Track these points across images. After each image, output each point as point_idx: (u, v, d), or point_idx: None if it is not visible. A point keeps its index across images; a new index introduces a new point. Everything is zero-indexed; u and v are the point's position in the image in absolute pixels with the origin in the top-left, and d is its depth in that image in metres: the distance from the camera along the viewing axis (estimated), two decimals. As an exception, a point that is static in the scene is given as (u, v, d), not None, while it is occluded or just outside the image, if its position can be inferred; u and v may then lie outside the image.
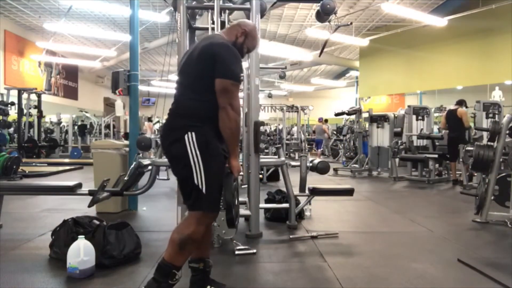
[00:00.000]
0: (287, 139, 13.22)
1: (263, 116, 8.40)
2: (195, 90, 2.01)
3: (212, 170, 1.93)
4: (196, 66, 2.02)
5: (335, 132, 14.93)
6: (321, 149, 14.21)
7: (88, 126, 15.41)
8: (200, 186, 1.90)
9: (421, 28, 12.02)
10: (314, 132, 15.15)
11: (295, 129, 14.07)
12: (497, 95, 10.90)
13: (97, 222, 2.84)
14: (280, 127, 14.57)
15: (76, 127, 14.92)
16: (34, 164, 9.41)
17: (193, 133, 1.92)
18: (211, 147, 1.94)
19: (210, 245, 2.33)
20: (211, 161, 1.93)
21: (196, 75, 2.01)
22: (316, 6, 4.17)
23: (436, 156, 7.49)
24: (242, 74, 2.06)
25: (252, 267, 2.76)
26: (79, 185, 3.61)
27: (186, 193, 2.01)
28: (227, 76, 1.96)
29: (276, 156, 4.69)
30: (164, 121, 2.16)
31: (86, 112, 16.26)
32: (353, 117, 11.03)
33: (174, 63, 4.02)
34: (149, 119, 14.86)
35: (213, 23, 3.30)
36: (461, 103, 7.18)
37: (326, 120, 15.37)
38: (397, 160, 8.13)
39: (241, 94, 3.65)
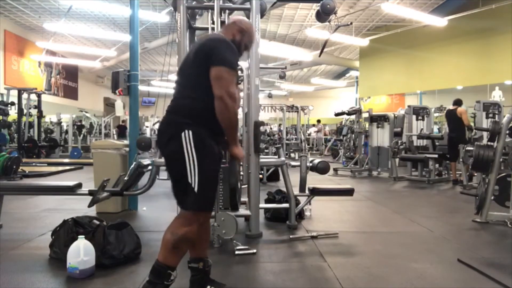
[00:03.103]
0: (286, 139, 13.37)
1: (263, 116, 8.40)
2: (193, 89, 1.99)
3: (206, 169, 1.91)
4: (193, 64, 2.00)
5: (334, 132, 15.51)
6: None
7: (88, 126, 15.41)
8: (193, 185, 1.89)
9: (421, 28, 12.02)
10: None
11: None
12: (497, 95, 10.91)
13: (97, 222, 2.84)
14: (281, 127, 14.68)
15: (75, 127, 14.91)
16: (34, 164, 9.40)
17: (190, 132, 1.90)
18: (206, 147, 1.93)
19: (208, 245, 2.32)
20: (205, 161, 1.92)
21: (194, 73, 2.00)
22: (316, 6, 4.18)
23: (436, 156, 7.49)
24: (239, 67, 2.05)
25: (252, 267, 2.76)
26: (79, 185, 3.61)
27: (179, 192, 1.98)
28: (222, 63, 1.93)
29: (276, 156, 4.68)
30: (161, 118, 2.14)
31: (86, 112, 16.26)
32: (353, 117, 11.03)
33: (174, 63, 4.02)
34: None
35: (213, 23, 3.30)
36: (458, 102, 7.18)
37: (319, 121, 17.85)
38: (397, 160, 8.13)
39: (241, 94, 3.66)
